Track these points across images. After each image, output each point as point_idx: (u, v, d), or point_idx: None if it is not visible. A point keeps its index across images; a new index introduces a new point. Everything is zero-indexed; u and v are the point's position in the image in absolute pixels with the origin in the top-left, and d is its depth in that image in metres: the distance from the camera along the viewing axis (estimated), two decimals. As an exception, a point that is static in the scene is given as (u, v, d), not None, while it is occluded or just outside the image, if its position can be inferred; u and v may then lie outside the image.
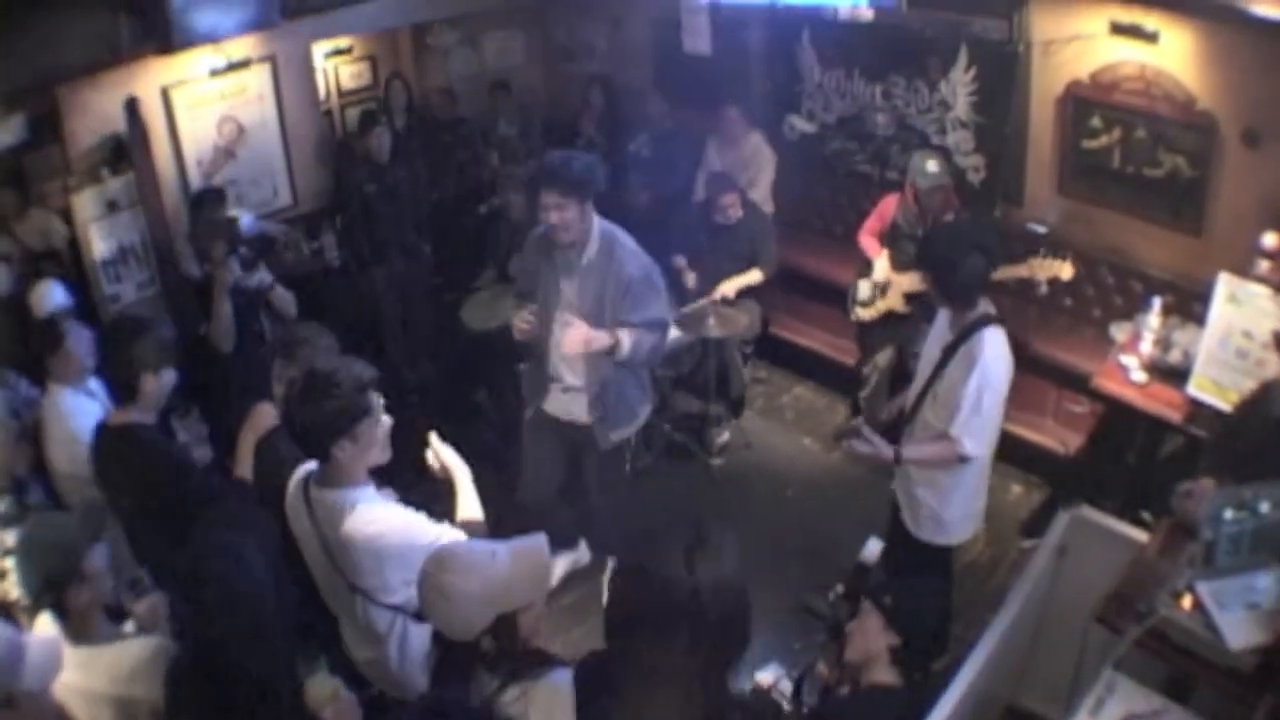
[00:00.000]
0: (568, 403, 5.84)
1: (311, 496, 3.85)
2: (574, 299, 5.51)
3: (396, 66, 10.11)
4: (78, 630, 3.46)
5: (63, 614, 3.45)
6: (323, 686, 3.48)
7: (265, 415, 4.59)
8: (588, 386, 5.68)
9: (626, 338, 5.43)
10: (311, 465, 3.90)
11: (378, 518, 3.74)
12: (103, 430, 4.64)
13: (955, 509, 5.19)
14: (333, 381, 3.60)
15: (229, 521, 3.87)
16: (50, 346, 5.01)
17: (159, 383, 4.60)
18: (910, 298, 6.90)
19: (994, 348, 4.71)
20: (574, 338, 5.37)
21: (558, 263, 5.51)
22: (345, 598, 3.95)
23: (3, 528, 4.28)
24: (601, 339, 5.39)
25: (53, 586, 3.41)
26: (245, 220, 6.98)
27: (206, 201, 7.06)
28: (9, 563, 4.25)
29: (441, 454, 4.14)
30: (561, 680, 3.07)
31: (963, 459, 4.86)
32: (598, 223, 5.43)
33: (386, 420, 3.80)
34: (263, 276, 6.48)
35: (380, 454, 3.84)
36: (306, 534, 3.92)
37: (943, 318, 5.05)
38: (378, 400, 3.76)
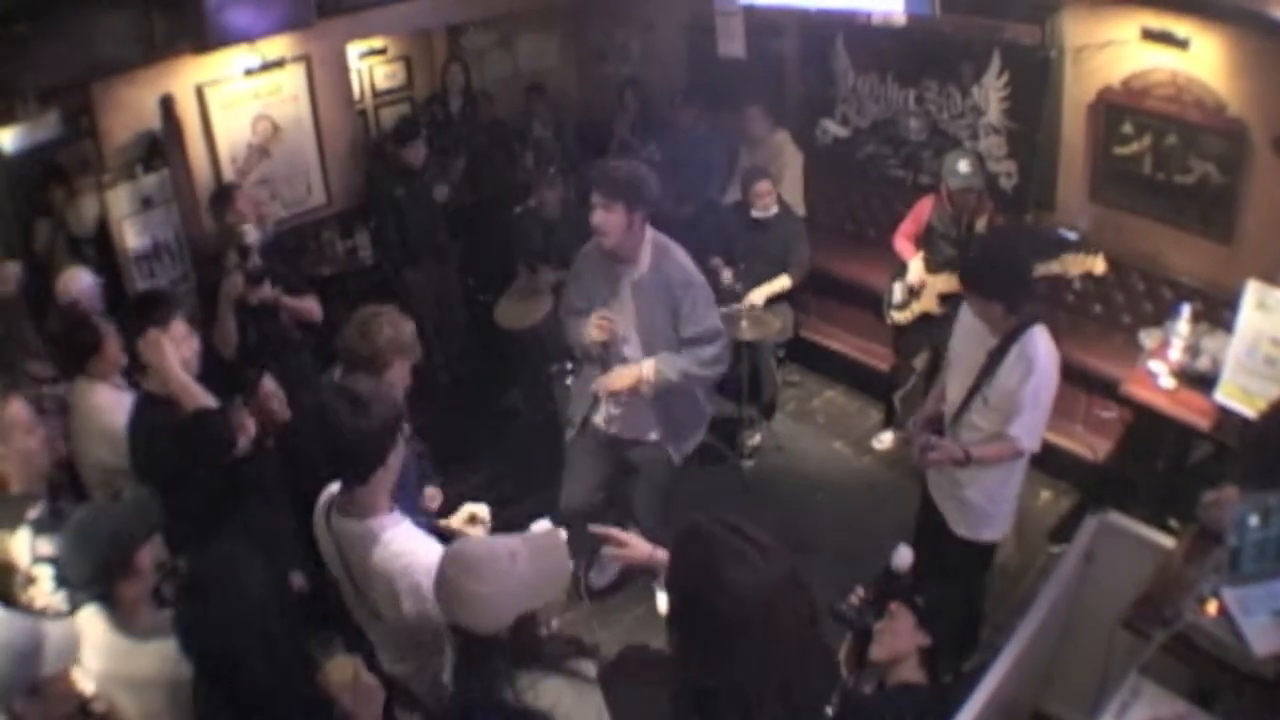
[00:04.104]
0: (622, 418, 5.71)
1: (334, 527, 3.73)
2: (631, 318, 5.41)
3: (454, 54, 10.19)
4: (125, 621, 3.45)
5: (110, 604, 3.44)
6: (342, 670, 3.33)
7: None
8: (655, 402, 5.55)
9: (670, 368, 5.36)
10: (334, 489, 3.78)
11: (406, 550, 3.58)
12: (143, 401, 4.69)
13: (1004, 505, 5.29)
14: (373, 399, 3.49)
15: (241, 529, 3.84)
16: (91, 349, 5.00)
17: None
18: (945, 299, 6.86)
19: (1044, 346, 4.83)
20: (622, 379, 5.38)
21: (616, 277, 5.40)
22: (372, 621, 3.85)
23: (37, 534, 4.28)
24: (647, 376, 5.35)
25: (101, 578, 3.40)
26: (251, 234, 6.39)
27: (216, 201, 6.93)
28: (40, 570, 4.26)
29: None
30: (587, 672, 3.01)
31: (1020, 454, 5.02)
32: (650, 238, 5.34)
33: (403, 448, 3.67)
34: (264, 293, 6.21)
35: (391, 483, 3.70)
36: (331, 558, 3.83)
37: (975, 319, 5.05)
38: (406, 427, 3.68)
